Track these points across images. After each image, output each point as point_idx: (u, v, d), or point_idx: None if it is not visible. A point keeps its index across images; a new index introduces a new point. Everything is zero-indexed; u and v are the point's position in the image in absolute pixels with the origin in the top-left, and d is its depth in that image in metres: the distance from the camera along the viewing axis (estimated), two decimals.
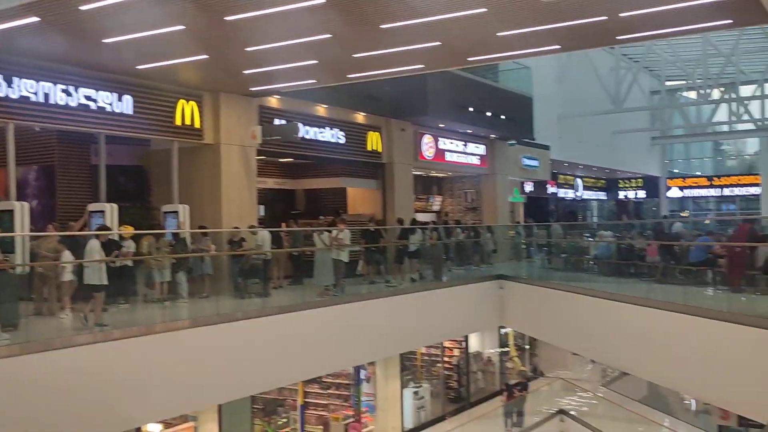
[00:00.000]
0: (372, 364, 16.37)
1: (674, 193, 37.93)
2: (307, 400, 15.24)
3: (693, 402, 19.59)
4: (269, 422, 14.33)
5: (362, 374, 16.10)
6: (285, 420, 14.50)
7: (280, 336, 10.82)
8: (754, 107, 33.44)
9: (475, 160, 21.77)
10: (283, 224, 15.06)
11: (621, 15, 9.89)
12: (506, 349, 21.30)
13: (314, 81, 13.85)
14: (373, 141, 17.67)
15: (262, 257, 12.47)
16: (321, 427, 15.44)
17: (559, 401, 19.17)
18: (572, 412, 18.40)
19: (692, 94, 36.64)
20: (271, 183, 17.75)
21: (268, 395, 14.30)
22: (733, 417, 13.60)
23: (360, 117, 17.44)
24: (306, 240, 13.91)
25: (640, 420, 17.51)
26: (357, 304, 12.57)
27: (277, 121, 15.09)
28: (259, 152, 14.92)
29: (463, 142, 21.11)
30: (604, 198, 37.85)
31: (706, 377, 10.08)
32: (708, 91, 32.89)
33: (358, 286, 13.83)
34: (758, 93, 33.57)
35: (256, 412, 14.19)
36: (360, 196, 18.89)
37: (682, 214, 37.29)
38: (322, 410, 15.64)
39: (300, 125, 14.95)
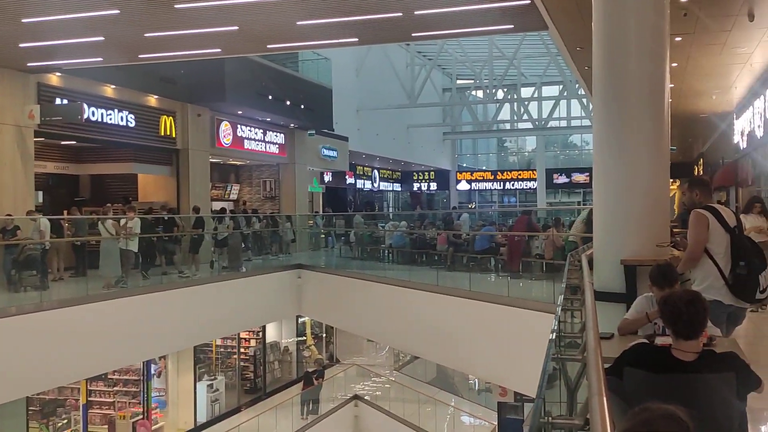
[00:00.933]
0: (163, 358, 16.29)
1: (463, 185, 41.28)
2: (90, 398, 14.86)
3: (476, 381, 21.83)
4: (47, 424, 13.79)
5: (152, 369, 15.96)
6: (65, 421, 14.04)
7: (59, 332, 10.58)
8: (533, 108, 37.51)
9: (274, 149, 22.22)
10: (65, 212, 14.43)
11: (416, 13, 10.64)
12: (303, 338, 22.08)
13: (101, 59, 13.44)
14: (167, 126, 17.45)
15: (40, 247, 11.94)
16: (106, 426, 15.11)
17: (354, 387, 20.31)
18: (366, 397, 19.63)
19: (480, 93, 40.05)
20: (51, 167, 16.84)
21: (47, 395, 13.72)
22: (510, 393, 15.52)
23: (153, 100, 17.14)
24: (91, 229, 13.48)
25: (430, 401, 19.07)
26: (147, 296, 12.56)
27: (58, 101, 14.40)
28: (38, 134, 14.23)
29: (262, 131, 21.46)
30: (400, 189, 40.19)
31: (487, 358, 11.55)
32: (493, 91, 36.22)
33: (150, 277, 13.72)
34: (536, 95, 37.57)
35: (33, 414, 13.60)
36: (152, 183, 18.55)
37: (469, 206, 40.63)
38: (108, 409, 15.33)
39: (84, 106, 14.41)
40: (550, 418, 2.14)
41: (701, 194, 4.91)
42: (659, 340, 3.13)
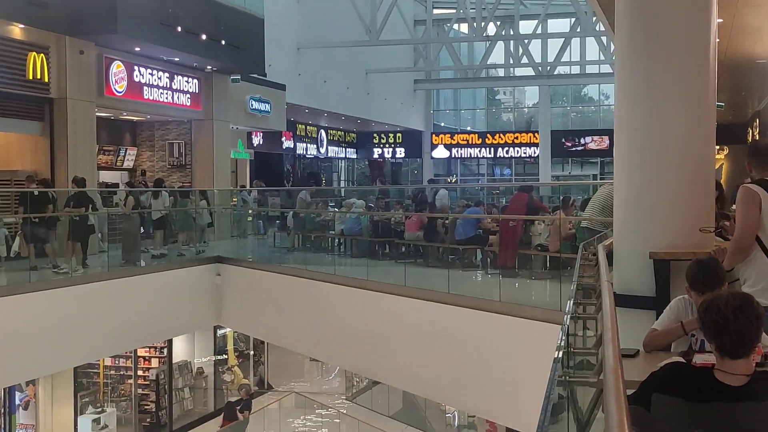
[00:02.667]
0: (32, 383, 16.09)
1: (440, 152, 41.43)
2: None
3: (455, 415, 22.03)
4: None
5: (17, 398, 15.76)
6: None
7: None
8: (535, 48, 37.66)
9: (185, 100, 21.98)
10: None
11: None
12: (224, 356, 22.00)
13: None
14: (37, 66, 17.07)
15: None
16: None
17: (293, 422, 20.35)
18: None
19: (464, 28, 40.08)
20: None
21: None
22: (500, 429, 15.72)
23: (17, 30, 16.75)
24: None
25: None
26: (8, 299, 12.34)
27: None
28: None
29: (169, 75, 21.20)
30: (355, 156, 40.22)
31: (471, 383, 11.64)
32: (482, 24, 36.15)
33: (11, 272, 13.51)
34: (539, 31, 37.46)
35: None
36: (15, 145, 18.19)
37: (448, 180, 40.81)
38: None
39: None
40: None
41: (755, 164, 4.94)
42: (699, 359, 3.19)
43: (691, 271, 4.16)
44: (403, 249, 16.26)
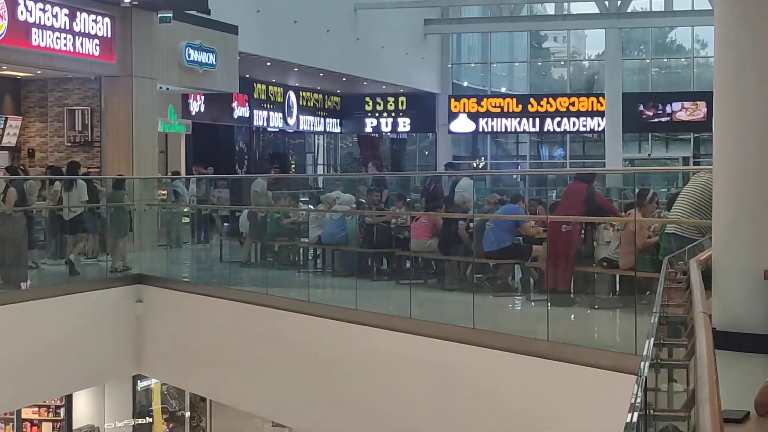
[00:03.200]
0: None
1: (462, 124, 41.25)
2: None
3: None
4: None
5: None
6: None
7: None
8: None
9: (92, 48, 21.94)
10: None
11: None
12: (148, 420, 21.96)
13: None
14: None
15: None
16: None
17: None
18: None
19: None
20: None
21: None
22: None
23: None
24: None
25: None
26: None
27: None
28: None
29: (68, 11, 21.16)
30: (339, 131, 40.23)
31: None
32: None
33: None
34: None
35: None
36: None
37: (474, 165, 40.80)
38: None
39: None
40: None
41: None
42: None
43: None
44: (409, 264, 16.23)
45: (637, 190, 14.87)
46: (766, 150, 6.02)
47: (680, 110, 38.88)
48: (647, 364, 4.08)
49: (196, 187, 22.92)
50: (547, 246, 13.99)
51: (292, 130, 36.35)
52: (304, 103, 36.89)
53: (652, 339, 4.50)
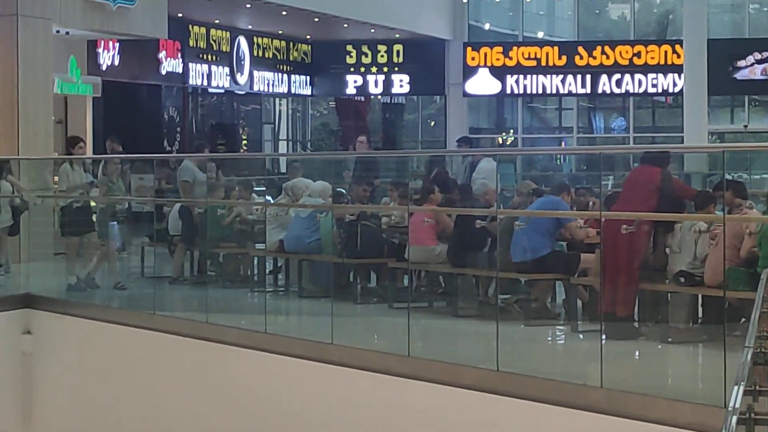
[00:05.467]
0: None
1: (483, 84, 41.41)
2: None
3: None
4: None
5: None
6: None
7: None
8: None
9: None
10: None
11: None
12: None
13: None
14: None
15: None
16: None
17: None
18: None
19: None
20: None
21: None
22: None
23: None
24: None
25: None
26: None
27: None
28: None
29: None
30: (309, 93, 40.29)
31: None
32: None
33: None
34: None
35: None
36: None
37: (499, 140, 40.95)
38: None
39: None
40: None
41: None
42: None
43: None
44: (407, 281, 16.26)
45: (726, 179, 14.87)
46: None
47: None
48: (735, 418, 4.15)
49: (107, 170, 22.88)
50: (601, 254, 14.08)
51: (243, 92, 36.48)
52: (260, 54, 36.97)
53: (743, 384, 4.58)
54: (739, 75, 39.46)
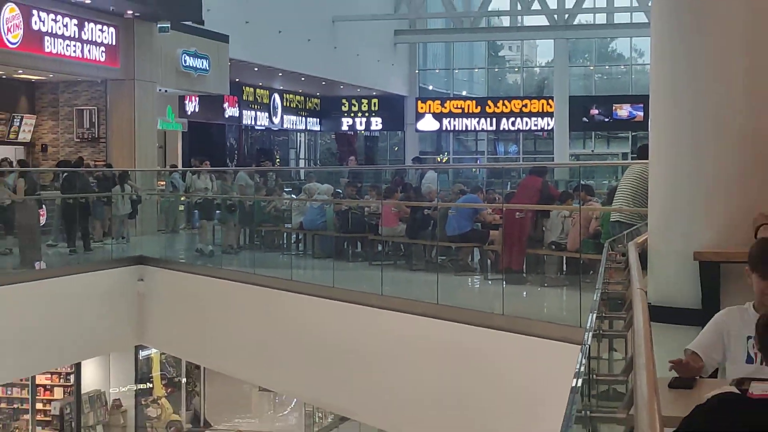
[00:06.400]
0: None
1: (428, 124, 41.36)
2: None
3: None
4: None
5: None
6: None
7: None
8: None
9: (99, 55, 21.83)
10: None
11: None
12: (148, 385, 21.89)
13: None
14: None
15: None
16: None
17: None
18: None
19: None
20: None
21: None
22: None
23: None
24: None
25: None
26: None
27: None
28: None
29: (78, 22, 21.03)
30: (319, 129, 40.15)
31: (468, 420, 11.59)
32: None
33: None
34: None
35: None
36: None
37: (438, 159, 40.80)
38: None
39: None
40: None
41: None
42: (757, 389, 3.18)
43: (754, 252, 4.21)
44: (380, 248, 16.26)
45: (581, 183, 14.96)
46: (697, 146, 6.05)
47: (620, 111, 39.12)
48: (590, 335, 4.08)
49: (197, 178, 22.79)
50: (503, 231, 14.05)
51: (277, 128, 36.26)
52: (288, 104, 36.80)
53: (595, 313, 4.51)
54: (588, 117, 39.44)
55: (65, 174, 18.32)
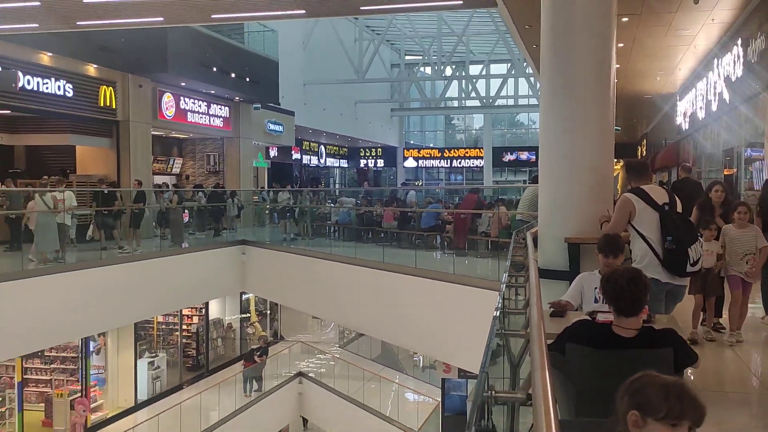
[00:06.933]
0: (102, 335, 16.00)
1: (410, 163, 41.50)
2: (26, 376, 14.47)
3: (421, 359, 22.09)
4: None
5: (91, 346, 15.66)
6: (0, 399, 13.64)
7: None
8: (481, 85, 37.77)
9: (219, 122, 21.87)
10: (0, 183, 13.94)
11: None
12: (247, 315, 21.93)
13: (36, 25, 12.95)
14: (107, 96, 16.98)
15: None
16: (42, 404, 14.81)
17: (299, 364, 20.31)
18: (311, 374, 19.66)
19: (428, 70, 40.13)
20: None
21: None
22: (454, 370, 15.75)
23: (92, 69, 16.62)
24: (27, 202, 13.04)
25: (374, 378, 19.22)
26: (86, 272, 12.28)
27: None
28: None
29: (207, 103, 21.08)
30: (346, 165, 40.13)
31: (432, 335, 11.65)
32: (442, 67, 36.32)
33: (86, 252, 13.40)
34: (484, 73, 37.80)
35: None
36: (91, 155, 18.06)
37: (416, 183, 40.88)
38: (45, 386, 14.99)
39: (19, 73, 13.89)
40: (493, 392, 2.16)
41: (630, 177, 5.05)
42: (600, 317, 3.21)
43: (601, 242, 4.24)
44: (382, 235, 16.16)
45: (498, 197, 14.99)
46: (565, 175, 6.08)
47: (521, 155, 39.14)
48: (504, 285, 4.08)
49: (275, 194, 22.76)
50: (454, 225, 14.08)
51: (322, 165, 36.25)
52: (329, 151, 36.81)
53: (507, 273, 4.52)
54: (503, 159, 39.41)
55: (200, 191, 18.38)
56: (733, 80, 11.87)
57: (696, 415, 1.88)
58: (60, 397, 14.75)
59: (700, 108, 15.21)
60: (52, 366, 15.14)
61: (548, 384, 1.79)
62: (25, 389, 14.39)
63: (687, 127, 17.46)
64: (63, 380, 15.09)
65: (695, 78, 15.97)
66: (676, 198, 4.86)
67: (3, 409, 13.65)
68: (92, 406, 15.26)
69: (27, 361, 14.58)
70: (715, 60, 13.42)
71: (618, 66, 9.18)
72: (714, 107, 13.65)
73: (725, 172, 13.14)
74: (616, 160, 7.89)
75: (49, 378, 15.09)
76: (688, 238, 4.63)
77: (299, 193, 20.58)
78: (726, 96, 12.53)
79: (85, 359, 15.27)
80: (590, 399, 2.90)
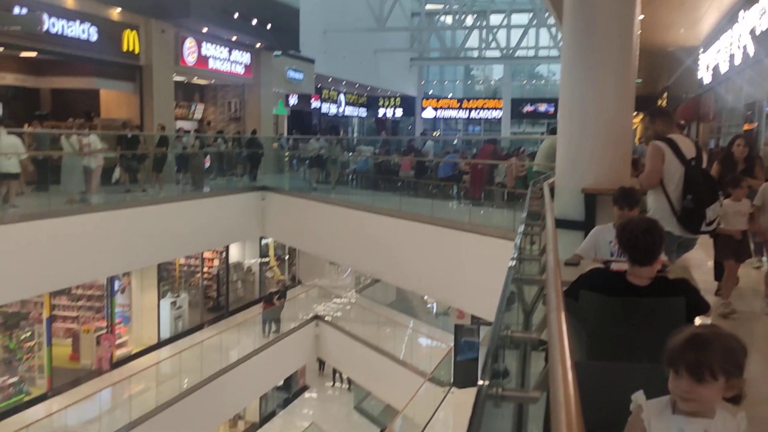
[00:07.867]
0: (127, 274, 16.29)
1: (428, 113, 41.04)
2: (54, 312, 14.83)
3: (434, 305, 22.32)
4: (10, 336, 13.75)
5: (116, 285, 15.96)
6: (29, 334, 14.02)
7: (22, 245, 10.49)
8: (501, 36, 37.07)
9: (240, 69, 21.72)
10: (26, 125, 14.02)
11: None
12: (266, 259, 22.17)
13: None
14: (130, 41, 16.87)
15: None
16: (70, 339, 15.20)
17: (316, 308, 20.62)
18: (327, 318, 19.97)
19: (448, 19, 39.39)
20: (10, 79, 16.25)
21: (9, 308, 13.67)
22: (467, 316, 15.91)
23: (115, 13, 16.49)
24: (53, 144, 13.14)
25: (389, 323, 19.50)
26: (111, 213, 12.48)
27: (17, 10, 13.75)
28: None
29: (228, 50, 20.91)
30: (365, 115, 39.84)
31: (446, 282, 11.76)
32: (462, 17, 35.62)
33: (112, 194, 13.54)
34: (505, 23, 37.05)
35: None
36: (115, 100, 18.08)
37: (434, 134, 40.58)
38: (72, 323, 15.37)
39: (45, 16, 13.81)
40: (510, 331, 2.19)
41: (662, 125, 4.88)
42: (615, 266, 3.22)
43: (616, 194, 4.21)
44: (399, 184, 16.12)
45: (515, 148, 14.86)
46: (583, 128, 6.03)
47: (540, 107, 38.68)
48: (520, 234, 4.10)
49: (292, 141, 22.74)
50: (470, 175, 14.02)
51: (341, 114, 35.99)
52: (348, 100, 36.46)
53: (523, 223, 4.53)
54: (522, 110, 39.00)
55: (219, 137, 18.36)
56: (757, 33, 11.57)
57: (687, 361, 1.85)
58: (87, 333, 15.15)
59: (724, 61, 14.89)
60: (78, 303, 15.49)
61: (563, 325, 1.82)
62: (54, 324, 14.76)
63: (709, 81, 17.12)
64: (89, 317, 15.46)
65: (719, 31, 15.58)
66: (703, 153, 4.75)
67: (32, 343, 14.03)
68: (117, 342, 15.65)
69: (55, 297, 14.91)
70: (741, 12, 13.07)
71: (642, 17, 8.97)
72: (738, 60, 13.35)
73: (745, 127, 12.91)
74: (635, 113, 7.80)
75: (76, 315, 15.46)
76: (708, 198, 4.54)
77: (331, 142, 20.54)
78: (750, 49, 12.23)
79: (110, 297, 15.60)
80: (602, 344, 2.94)
